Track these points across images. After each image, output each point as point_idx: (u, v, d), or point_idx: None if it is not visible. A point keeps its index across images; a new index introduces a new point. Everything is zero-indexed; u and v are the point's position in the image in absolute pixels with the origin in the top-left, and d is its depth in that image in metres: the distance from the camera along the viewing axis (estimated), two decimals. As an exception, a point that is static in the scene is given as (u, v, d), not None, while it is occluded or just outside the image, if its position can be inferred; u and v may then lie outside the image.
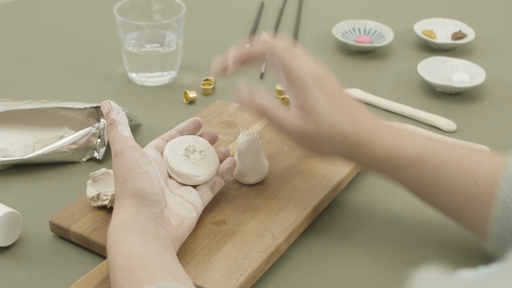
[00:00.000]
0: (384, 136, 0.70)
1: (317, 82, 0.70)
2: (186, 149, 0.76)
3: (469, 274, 0.41)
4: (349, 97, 0.73)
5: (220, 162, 0.77)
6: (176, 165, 0.74)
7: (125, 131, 0.69)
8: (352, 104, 0.72)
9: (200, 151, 0.76)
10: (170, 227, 0.68)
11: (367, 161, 0.71)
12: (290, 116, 0.71)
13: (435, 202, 0.71)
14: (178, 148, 0.76)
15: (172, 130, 0.79)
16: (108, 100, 0.71)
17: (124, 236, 0.63)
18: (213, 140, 0.79)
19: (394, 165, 0.70)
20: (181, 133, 0.79)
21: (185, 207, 0.71)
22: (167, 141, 0.77)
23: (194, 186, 0.75)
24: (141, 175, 0.67)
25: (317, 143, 0.71)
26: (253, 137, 0.78)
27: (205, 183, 0.76)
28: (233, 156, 0.79)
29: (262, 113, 0.72)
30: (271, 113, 0.71)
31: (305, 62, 0.72)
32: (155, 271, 0.59)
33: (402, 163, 0.70)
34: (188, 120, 0.80)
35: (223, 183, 0.77)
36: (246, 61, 0.74)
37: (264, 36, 0.72)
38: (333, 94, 0.71)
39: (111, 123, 0.70)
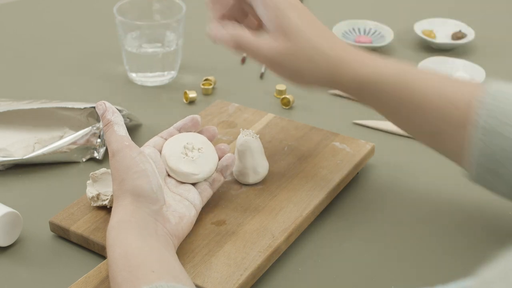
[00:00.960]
0: (364, 55, 0.71)
1: (292, 5, 0.72)
2: (184, 147, 0.76)
3: None
4: (323, 24, 0.74)
5: (220, 159, 0.77)
6: (175, 163, 0.74)
7: (121, 130, 0.69)
8: (327, 29, 0.73)
9: (199, 149, 0.76)
10: (169, 225, 0.68)
11: (347, 81, 0.71)
12: (266, 39, 0.72)
13: (413, 126, 0.71)
14: (176, 146, 0.76)
15: (171, 128, 0.79)
16: (103, 101, 0.71)
17: (123, 235, 0.63)
18: (212, 137, 0.79)
19: (375, 83, 0.70)
20: (179, 130, 0.79)
21: (184, 205, 0.71)
22: (165, 139, 0.77)
23: (194, 184, 0.75)
24: (139, 173, 0.67)
25: (294, 65, 0.71)
26: (253, 137, 0.78)
27: (205, 180, 0.76)
28: (232, 153, 0.79)
29: (236, 42, 0.73)
30: (245, 39, 0.72)
31: None
32: (154, 270, 0.59)
33: (383, 81, 0.69)
34: (186, 117, 0.80)
35: (222, 179, 0.77)
36: None
37: None
38: (308, 16, 0.72)
39: (107, 124, 0.70)
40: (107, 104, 0.71)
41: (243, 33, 0.73)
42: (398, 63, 0.71)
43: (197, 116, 0.80)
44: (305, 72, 0.71)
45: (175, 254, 0.66)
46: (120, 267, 0.61)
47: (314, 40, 0.70)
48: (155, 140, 0.77)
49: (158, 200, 0.67)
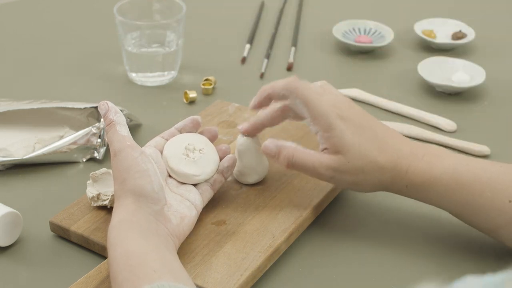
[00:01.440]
0: (418, 160, 0.71)
1: (340, 115, 0.71)
2: (185, 147, 0.76)
3: (474, 282, 0.40)
4: (377, 122, 0.74)
5: (221, 160, 0.77)
6: (176, 164, 0.74)
7: (124, 130, 0.70)
8: (381, 130, 0.73)
9: (200, 149, 0.76)
10: (170, 225, 0.68)
11: (404, 188, 0.72)
12: (319, 156, 0.72)
13: (473, 222, 0.71)
14: (177, 147, 0.76)
15: (172, 128, 0.79)
16: (106, 101, 0.72)
17: (124, 235, 0.63)
18: (213, 138, 0.79)
19: (430, 188, 0.70)
20: (180, 131, 0.79)
21: (185, 205, 0.71)
22: (167, 140, 0.77)
23: (195, 184, 0.75)
24: (140, 173, 0.67)
25: (351, 178, 0.72)
26: (252, 137, 0.78)
27: (206, 181, 0.76)
28: (233, 154, 0.79)
29: (290, 161, 0.73)
30: (299, 157, 0.73)
31: (326, 96, 0.73)
32: (155, 269, 0.59)
33: (437, 185, 0.70)
34: (187, 118, 0.80)
35: (223, 180, 0.77)
36: (267, 103, 0.76)
37: (288, 79, 0.74)
38: (358, 124, 0.72)
39: (109, 123, 0.70)
40: (110, 104, 0.71)
41: (296, 150, 0.73)
42: (453, 160, 0.71)
43: (198, 117, 0.80)
44: (362, 183, 0.72)
45: (176, 254, 0.66)
46: (121, 266, 0.61)
47: (367, 153, 0.71)
48: (156, 140, 0.77)
49: (159, 200, 0.67)
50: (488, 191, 0.68)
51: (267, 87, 0.76)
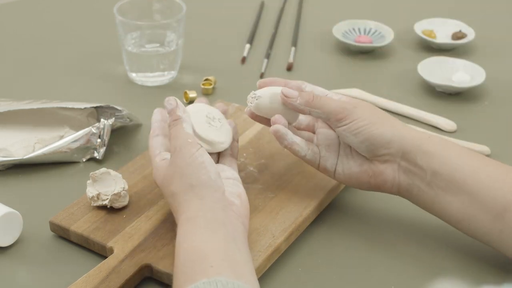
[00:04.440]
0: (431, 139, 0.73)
1: (354, 104, 0.74)
2: (207, 116, 0.76)
3: None
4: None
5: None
6: (203, 131, 0.75)
7: (189, 128, 0.72)
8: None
9: (219, 119, 0.77)
10: (235, 207, 0.68)
11: (425, 139, 0.72)
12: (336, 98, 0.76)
13: (477, 206, 0.70)
14: (200, 115, 0.76)
15: (155, 123, 0.78)
16: (174, 97, 0.73)
17: (191, 232, 0.64)
18: (224, 112, 0.81)
19: (446, 150, 0.71)
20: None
21: (232, 183, 0.72)
22: (158, 135, 0.77)
23: (218, 160, 0.76)
24: (198, 167, 0.68)
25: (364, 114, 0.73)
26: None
27: (225, 150, 0.77)
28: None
29: (311, 98, 0.75)
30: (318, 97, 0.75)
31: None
32: (212, 265, 0.60)
33: (454, 149, 0.71)
34: (164, 104, 0.76)
35: (237, 145, 0.79)
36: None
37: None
38: (370, 108, 0.75)
39: (176, 119, 0.72)
40: (178, 101, 0.73)
41: (315, 89, 0.78)
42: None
43: (171, 97, 0.76)
44: (376, 122, 0.73)
45: (245, 243, 0.66)
46: (182, 262, 0.62)
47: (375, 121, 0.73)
48: (162, 126, 0.78)
49: (218, 186, 0.68)
50: (485, 177, 0.69)
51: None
